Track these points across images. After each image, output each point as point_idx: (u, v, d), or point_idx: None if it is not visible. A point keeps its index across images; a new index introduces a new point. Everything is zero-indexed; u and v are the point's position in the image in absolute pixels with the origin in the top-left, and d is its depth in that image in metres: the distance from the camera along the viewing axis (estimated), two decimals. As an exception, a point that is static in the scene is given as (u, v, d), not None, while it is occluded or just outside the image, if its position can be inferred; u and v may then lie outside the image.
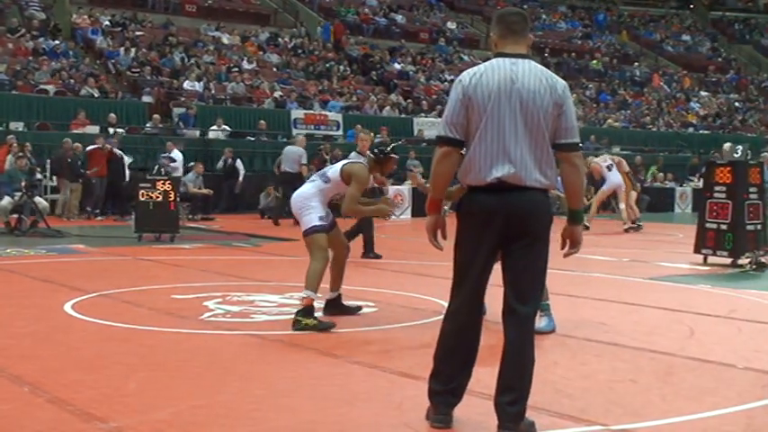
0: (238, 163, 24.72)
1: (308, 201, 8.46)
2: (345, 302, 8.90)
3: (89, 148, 22.19)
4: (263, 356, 6.98)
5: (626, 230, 20.72)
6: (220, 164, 24.81)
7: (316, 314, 8.13)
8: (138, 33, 33.42)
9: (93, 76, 28.37)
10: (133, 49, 31.27)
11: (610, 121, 38.33)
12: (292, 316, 8.47)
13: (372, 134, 14.64)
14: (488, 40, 5.32)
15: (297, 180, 18.36)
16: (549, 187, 4.99)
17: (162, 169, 19.62)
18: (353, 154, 14.26)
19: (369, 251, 14.35)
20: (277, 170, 23.00)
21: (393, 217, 23.72)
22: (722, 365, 6.94)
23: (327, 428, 5.08)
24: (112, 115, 25.14)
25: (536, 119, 4.88)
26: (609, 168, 20.91)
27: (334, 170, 8.56)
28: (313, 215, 8.36)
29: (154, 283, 11.00)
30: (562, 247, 5.13)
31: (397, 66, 37.99)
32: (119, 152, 22.57)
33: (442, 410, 5.07)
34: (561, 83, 4.99)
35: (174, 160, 22.29)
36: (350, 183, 8.42)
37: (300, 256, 14.31)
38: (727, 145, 14.86)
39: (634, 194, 21.40)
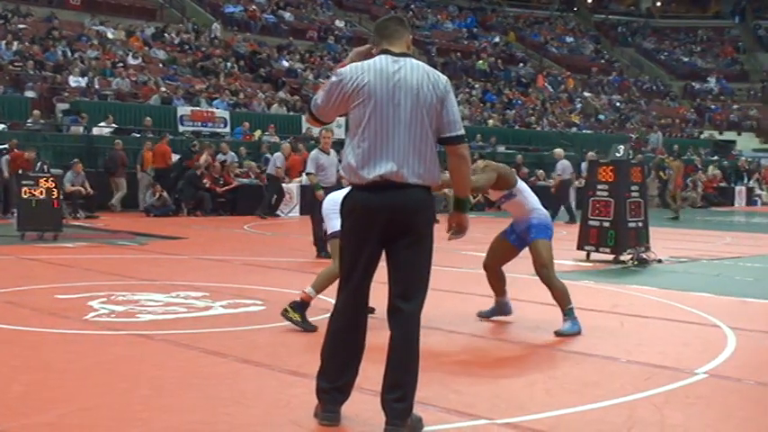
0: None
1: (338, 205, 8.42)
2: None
3: None
4: (150, 356, 6.89)
5: None
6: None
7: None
8: (20, 26, 32.62)
9: (-27, 70, 27.62)
10: (15, 43, 30.50)
11: (491, 121, 38.86)
12: (177, 315, 8.39)
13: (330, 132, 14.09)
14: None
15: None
16: (431, 184, 5.04)
17: None
18: (315, 152, 13.93)
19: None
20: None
21: (281, 214, 23.77)
22: (605, 359, 7.11)
23: (216, 428, 5.05)
24: (-7, 110, 24.50)
25: (419, 116, 4.94)
26: None
27: None
28: (338, 221, 8.32)
29: (37, 282, 10.75)
30: (448, 230, 5.27)
31: (285, 63, 37.85)
32: None
33: (329, 408, 5.09)
34: (443, 78, 5.07)
35: None
36: None
37: (186, 255, 14.23)
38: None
39: None
